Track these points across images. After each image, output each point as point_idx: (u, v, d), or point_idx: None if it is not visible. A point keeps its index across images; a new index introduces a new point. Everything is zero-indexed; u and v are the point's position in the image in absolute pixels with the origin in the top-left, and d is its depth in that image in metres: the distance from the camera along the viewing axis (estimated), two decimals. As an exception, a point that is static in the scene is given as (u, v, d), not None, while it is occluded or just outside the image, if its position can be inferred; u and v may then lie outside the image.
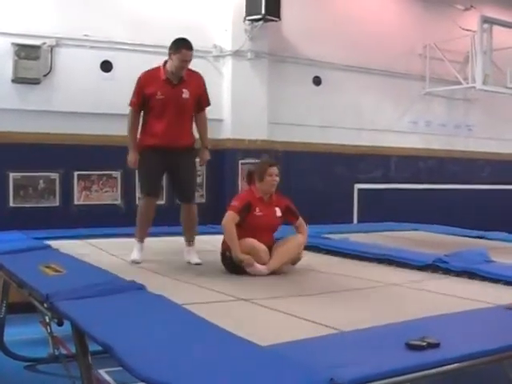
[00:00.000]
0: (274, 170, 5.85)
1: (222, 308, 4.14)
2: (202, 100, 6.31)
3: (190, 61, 6.12)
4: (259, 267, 5.49)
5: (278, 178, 5.86)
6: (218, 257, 5.78)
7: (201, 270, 5.71)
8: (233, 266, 5.56)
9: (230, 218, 5.66)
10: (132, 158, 6.15)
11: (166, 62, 6.14)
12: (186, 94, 6.11)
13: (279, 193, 6.00)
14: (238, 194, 6.02)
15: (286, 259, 5.66)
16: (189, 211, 6.29)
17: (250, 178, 6.01)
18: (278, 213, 5.86)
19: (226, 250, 5.65)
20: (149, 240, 6.34)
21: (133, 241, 6.22)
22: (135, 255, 6.07)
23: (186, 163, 6.24)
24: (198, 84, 6.28)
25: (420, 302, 4.38)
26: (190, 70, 6.24)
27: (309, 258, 6.20)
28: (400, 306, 4.31)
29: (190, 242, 6.23)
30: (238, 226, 5.63)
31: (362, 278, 5.37)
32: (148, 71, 6.23)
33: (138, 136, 6.22)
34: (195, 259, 6.09)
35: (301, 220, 5.99)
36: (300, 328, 3.56)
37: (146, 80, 6.13)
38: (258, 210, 5.73)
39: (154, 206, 6.26)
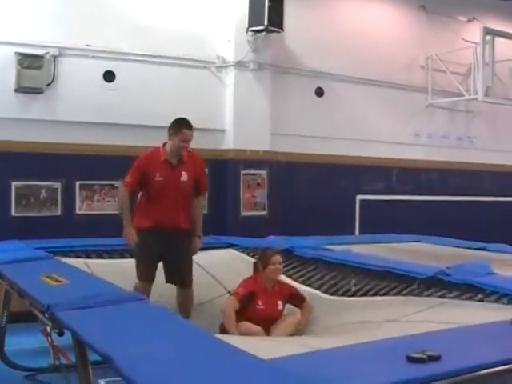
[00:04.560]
0: (278, 258, 6.01)
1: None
2: (199, 184, 6.35)
3: (190, 140, 6.16)
4: None
5: (281, 266, 6.04)
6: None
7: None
8: None
9: (230, 304, 5.78)
10: (129, 232, 6.14)
11: (165, 144, 6.19)
12: (184, 176, 6.16)
13: (282, 282, 6.16)
14: (244, 280, 6.06)
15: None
16: (186, 296, 6.24)
17: (255, 267, 6.14)
18: (280, 306, 5.98)
19: (223, 331, 5.70)
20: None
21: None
22: None
23: (183, 248, 6.23)
24: (196, 166, 6.31)
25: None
26: (189, 152, 6.27)
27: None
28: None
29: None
30: (238, 312, 5.71)
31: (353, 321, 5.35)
32: (148, 153, 6.29)
33: (134, 217, 6.25)
34: None
35: (307, 303, 6.05)
36: (297, 350, 3.56)
37: (146, 161, 6.18)
38: (260, 303, 5.85)
39: (150, 289, 6.16)
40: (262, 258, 6.08)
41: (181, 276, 6.22)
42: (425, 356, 2.92)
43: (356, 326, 5.08)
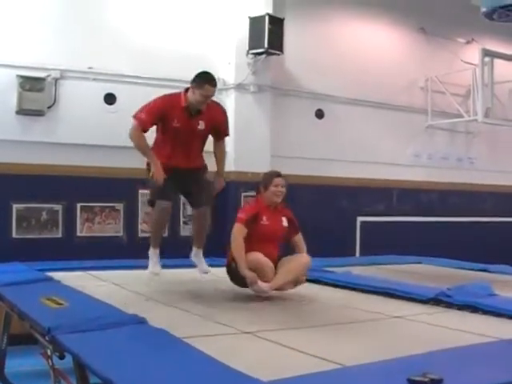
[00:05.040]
0: (280, 180, 5.94)
1: (224, 342, 4.11)
2: (219, 130, 6.31)
3: (212, 96, 6.07)
4: (262, 286, 5.48)
5: (283, 189, 5.92)
6: (221, 286, 5.79)
7: (204, 299, 5.71)
8: (237, 277, 5.57)
9: (239, 231, 5.71)
10: (158, 167, 5.93)
11: (187, 90, 6.09)
12: (201, 125, 6.11)
13: (284, 205, 6.03)
14: (244, 206, 6.03)
15: (290, 278, 5.67)
16: (203, 213, 6.25)
17: (257, 188, 6.08)
18: (285, 222, 5.93)
19: (232, 261, 5.66)
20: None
21: (138, 272, 6.22)
22: (153, 267, 6.10)
23: (198, 175, 6.24)
24: (216, 116, 6.25)
25: (423, 336, 4.37)
26: (213, 102, 6.23)
27: (311, 291, 6.19)
28: (403, 339, 4.29)
29: (199, 246, 6.29)
30: (246, 234, 5.66)
31: (366, 310, 5.36)
32: (169, 96, 6.17)
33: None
34: (204, 267, 6.13)
35: (300, 235, 6.02)
36: (302, 363, 3.54)
37: (166, 104, 6.05)
38: (264, 218, 5.80)
39: (168, 210, 6.17)
40: (264, 179, 6.01)
41: (199, 195, 6.20)
42: (426, 379, 2.90)
43: (364, 317, 5.09)
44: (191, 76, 9.91)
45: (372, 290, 6.23)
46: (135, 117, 6.05)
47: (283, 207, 6.02)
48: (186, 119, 6.04)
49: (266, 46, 9.87)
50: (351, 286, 6.51)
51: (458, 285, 5.97)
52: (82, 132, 9.16)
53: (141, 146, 6.09)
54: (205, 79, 6.01)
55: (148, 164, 6.16)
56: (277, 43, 9.98)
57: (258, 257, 5.60)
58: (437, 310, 5.41)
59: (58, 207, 9.07)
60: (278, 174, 6.03)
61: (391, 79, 11.94)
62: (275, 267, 5.68)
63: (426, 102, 12.53)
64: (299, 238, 6.02)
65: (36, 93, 8.84)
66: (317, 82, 11.08)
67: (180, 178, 6.07)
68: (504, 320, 4.92)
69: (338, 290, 6.53)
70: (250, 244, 5.62)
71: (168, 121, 6.02)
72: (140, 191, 9.42)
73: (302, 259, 5.86)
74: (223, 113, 6.38)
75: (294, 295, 5.89)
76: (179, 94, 6.14)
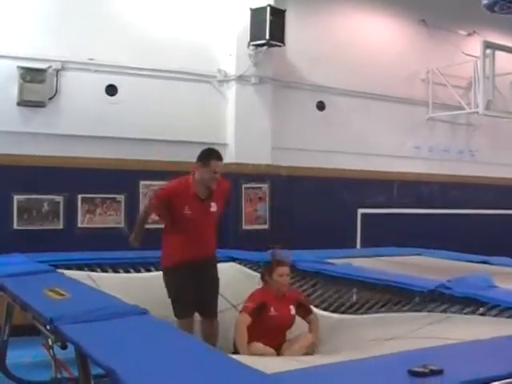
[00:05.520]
0: (284, 270, 5.78)
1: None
2: (227, 204, 6.40)
3: (220, 170, 5.96)
4: None
5: (288, 278, 5.80)
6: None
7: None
8: None
9: (242, 321, 5.62)
10: (137, 237, 6.26)
11: (194, 174, 5.97)
12: (213, 207, 6.01)
13: (291, 288, 5.97)
14: (253, 293, 5.90)
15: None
16: (213, 326, 6.08)
17: (262, 275, 5.99)
18: (293, 311, 5.84)
19: (236, 350, 5.58)
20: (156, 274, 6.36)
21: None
22: None
23: (212, 276, 6.13)
24: (225, 191, 6.19)
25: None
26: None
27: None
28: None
29: None
30: (252, 324, 5.58)
31: (360, 336, 5.32)
32: (176, 184, 6.08)
33: (164, 250, 6.16)
34: None
35: (313, 315, 5.93)
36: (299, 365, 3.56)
37: (175, 193, 5.95)
38: (272, 309, 5.70)
39: (193, 325, 5.98)
40: (268, 267, 5.91)
41: (209, 305, 6.10)
42: (427, 370, 2.91)
43: (357, 345, 5.04)
44: (192, 68, 10.01)
45: (372, 282, 6.24)
46: (151, 201, 6.46)
47: (291, 292, 5.96)
48: (197, 205, 5.94)
49: (267, 37, 9.86)
50: (351, 278, 6.51)
51: (458, 277, 5.96)
52: (83, 123, 9.16)
53: (142, 217, 6.47)
54: (209, 156, 5.93)
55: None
56: (278, 35, 9.96)
57: (259, 346, 5.55)
58: (430, 321, 5.34)
59: (59, 198, 9.07)
60: (281, 262, 5.87)
61: (392, 71, 11.94)
62: (281, 348, 5.65)
63: (427, 94, 12.53)
64: (313, 319, 5.91)
65: (37, 84, 8.83)
66: (318, 74, 11.08)
67: (194, 274, 5.96)
68: (503, 313, 4.94)
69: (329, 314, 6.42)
70: (258, 332, 5.57)
71: (177, 208, 5.91)
72: (141, 182, 9.44)
73: (303, 342, 5.70)
74: (229, 189, 6.39)
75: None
76: (187, 180, 6.03)
